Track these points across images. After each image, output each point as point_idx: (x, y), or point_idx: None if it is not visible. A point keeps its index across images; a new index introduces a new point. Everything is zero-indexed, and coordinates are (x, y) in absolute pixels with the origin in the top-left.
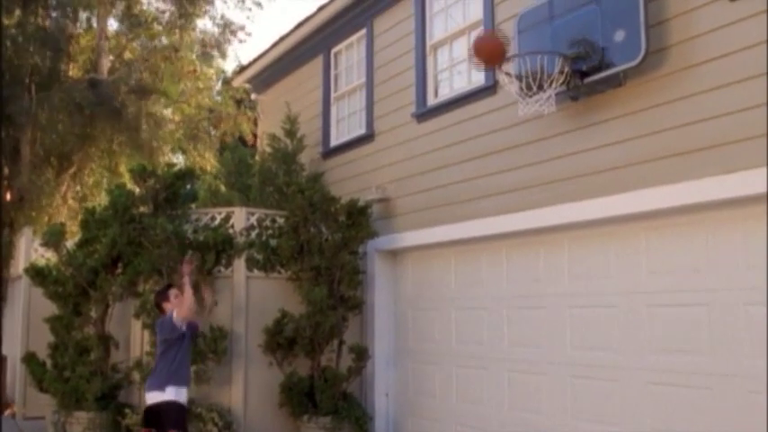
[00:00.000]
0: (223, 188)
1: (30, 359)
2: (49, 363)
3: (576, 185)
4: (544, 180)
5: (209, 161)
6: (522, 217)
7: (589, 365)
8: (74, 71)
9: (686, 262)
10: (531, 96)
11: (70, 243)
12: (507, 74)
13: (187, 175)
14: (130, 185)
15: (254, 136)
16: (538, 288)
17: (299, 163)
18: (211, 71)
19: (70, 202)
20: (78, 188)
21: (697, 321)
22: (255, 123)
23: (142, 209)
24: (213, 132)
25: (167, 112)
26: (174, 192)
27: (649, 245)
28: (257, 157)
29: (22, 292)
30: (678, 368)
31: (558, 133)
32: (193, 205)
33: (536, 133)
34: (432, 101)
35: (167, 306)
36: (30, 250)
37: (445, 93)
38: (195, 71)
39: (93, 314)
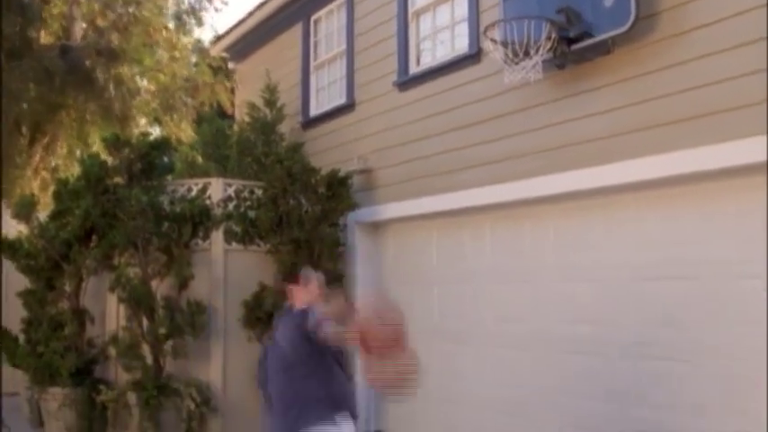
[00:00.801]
0: (200, 159)
1: (1, 334)
2: (22, 338)
3: (563, 156)
4: (529, 151)
5: (185, 132)
6: (506, 188)
7: (575, 341)
8: (45, 38)
9: (675, 234)
10: (517, 63)
11: (43, 216)
12: (493, 40)
13: (162, 144)
14: (104, 155)
15: (233, 105)
16: (523, 262)
17: (278, 133)
18: (187, 40)
19: (43, 173)
20: (51, 159)
21: (687, 295)
22: (233, 93)
23: (116, 180)
24: (189, 102)
25: (143, 83)
26: (150, 162)
27: (639, 217)
28: (235, 128)
29: None
30: (665, 342)
31: (544, 102)
32: (169, 177)
33: (521, 102)
34: (414, 69)
35: (300, 295)
36: (2, 223)
37: (428, 61)
38: (171, 40)
39: (67, 288)
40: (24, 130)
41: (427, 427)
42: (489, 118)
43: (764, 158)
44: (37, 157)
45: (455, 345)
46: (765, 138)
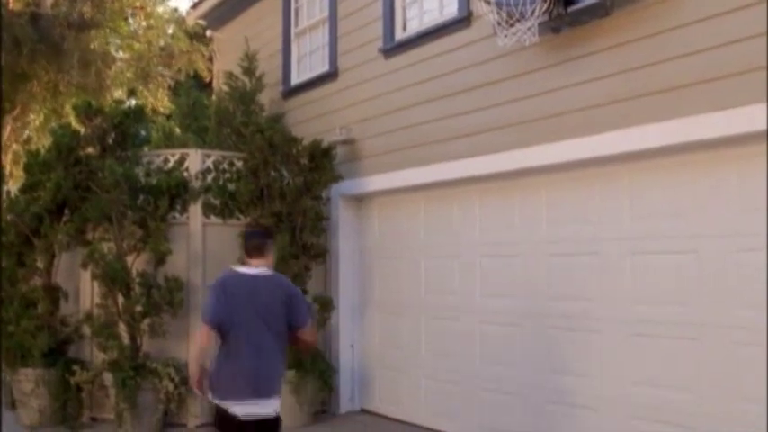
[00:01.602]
0: (178, 131)
1: None
2: None
3: (557, 124)
4: (522, 119)
5: (161, 102)
6: (496, 159)
7: (567, 316)
8: (14, 5)
9: (672, 206)
10: (511, 26)
11: (16, 190)
12: (486, 1)
13: (137, 112)
14: (76, 125)
15: (211, 74)
16: (513, 235)
17: (258, 103)
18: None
19: (15, 146)
20: (23, 132)
21: (685, 269)
22: (211, 61)
23: (89, 150)
24: (166, 71)
25: (117, 53)
26: (124, 132)
27: (634, 188)
28: (214, 98)
29: None
30: (662, 319)
31: (538, 68)
32: (146, 148)
33: (513, 69)
34: (400, 35)
35: (258, 261)
36: None
37: (414, 26)
38: (143, 8)
39: (39, 264)
40: None
41: (414, 405)
42: (479, 85)
43: (765, 127)
44: (8, 129)
45: (443, 320)
46: (766, 105)
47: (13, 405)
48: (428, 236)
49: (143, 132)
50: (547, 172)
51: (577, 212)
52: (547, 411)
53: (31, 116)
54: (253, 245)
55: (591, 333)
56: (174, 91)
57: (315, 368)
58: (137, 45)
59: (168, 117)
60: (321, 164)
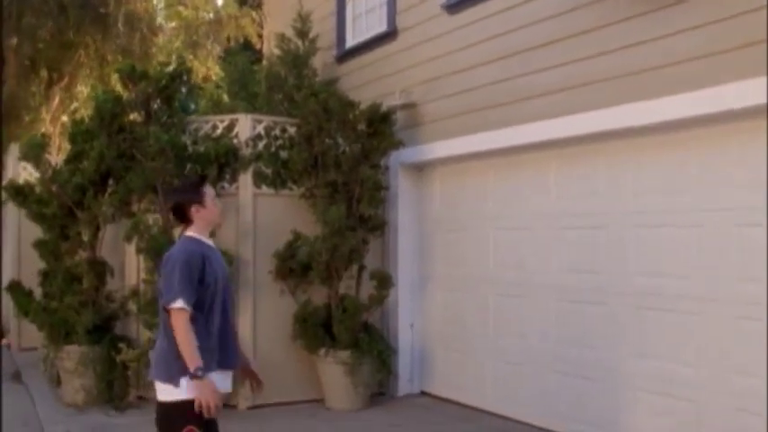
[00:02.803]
0: (226, 98)
1: (14, 288)
2: (39, 292)
3: (647, 81)
4: (606, 75)
5: (211, 70)
6: (576, 121)
7: (659, 295)
8: None
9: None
10: None
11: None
12: None
13: (184, 74)
14: (120, 90)
15: (260, 39)
16: (596, 205)
17: (311, 68)
18: None
19: (64, 118)
20: (71, 103)
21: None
22: (261, 26)
23: (133, 117)
24: (214, 38)
25: (164, 22)
26: (169, 96)
27: (747, 151)
28: (264, 63)
29: (10, 216)
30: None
31: (623, 19)
32: (193, 115)
33: (595, 20)
34: None
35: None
36: (18, 170)
37: None
38: None
39: (83, 237)
40: (42, 71)
41: (479, 389)
42: (554, 40)
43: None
44: (56, 101)
45: (513, 297)
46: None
47: (58, 382)
48: (497, 206)
49: (192, 105)
50: (634, 135)
51: (673, 180)
52: (633, 399)
53: (79, 87)
54: None
55: (689, 315)
56: (224, 59)
57: (372, 348)
58: (184, 12)
59: (217, 86)
60: (380, 129)
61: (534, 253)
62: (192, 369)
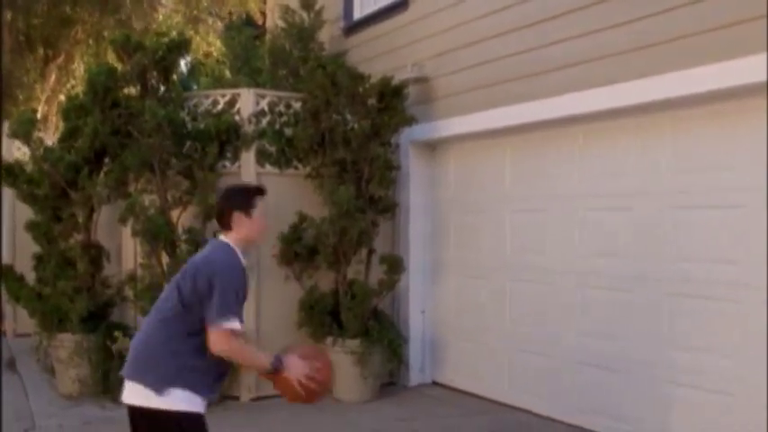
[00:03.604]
0: (228, 74)
1: (5, 273)
2: (33, 277)
3: (680, 48)
4: (638, 44)
5: (212, 46)
6: (602, 94)
7: (694, 281)
8: None
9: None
10: None
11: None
12: None
13: (182, 45)
14: (115, 63)
15: (263, 15)
16: (624, 185)
17: (317, 41)
18: None
19: (61, 97)
20: (68, 80)
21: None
22: (264, 2)
23: (128, 91)
24: (216, 13)
25: None
26: (167, 68)
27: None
28: (268, 36)
29: (5, 196)
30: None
31: None
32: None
33: None
34: None
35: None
36: (12, 149)
37: None
38: None
39: (79, 219)
40: (38, 48)
41: (495, 380)
42: (579, 7)
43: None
44: (52, 79)
45: (532, 283)
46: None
47: (52, 372)
48: (516, 187)
49: (193, 84)
50: (672, 107)
51: (715, 158)
52: (664, 394)
53: (76, 65)
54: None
55: (727, 302)
56: (226, 34)
57: (382, 337)
58: None
59: (218, 62)
60: (391, 104)
61: (556, 237)
62: (270, 366)
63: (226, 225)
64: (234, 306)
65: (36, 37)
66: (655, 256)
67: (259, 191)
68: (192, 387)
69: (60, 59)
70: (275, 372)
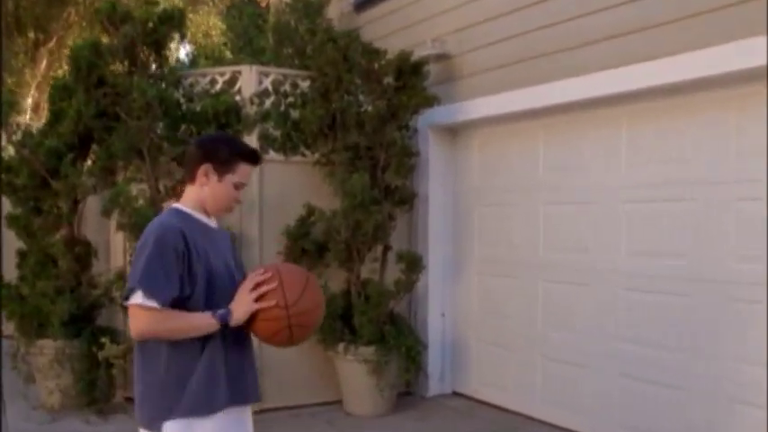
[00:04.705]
0: (229, 54)
1: None
2: (16, 275)
3: (749, 14)
4: (699, 9)
5: (213, 27)
6: (654, 68)
7: (756, 282)
8: None
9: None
10: None
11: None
12: None
13: (175, 17)
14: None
15: None
16: (680, 172)
17: (325, 18)
18: None
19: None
20: (60, 65)
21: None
22: None
23: (115, 68)
24: None
25: None
26: (158, 42)
27: None
28: (272, 12)
29: None
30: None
31: None
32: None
33: None
34: None
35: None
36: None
37: None
38: None
39: (63, 212)
40: (29, 31)
41: (525, 392)
42: None
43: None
44: (43, 64)
45: (569, 286)
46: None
47: (33, 380)
48: (550, 176)
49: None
50: (738, 82)
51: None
52: (724, 413)
53: (68, 50)
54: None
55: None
56: (227, 13)
57: (400, 343)
58: None
59: (223, 45)
60: (410, 83)
61: (597, 232)
62: (216, 321)
63: (190, 175)
64: (151, 276)
65: (26, 18)
66: (716, 255)
67: (252, 156)
68: (189, 411)
69: (51, 43)
70: (226, 324)
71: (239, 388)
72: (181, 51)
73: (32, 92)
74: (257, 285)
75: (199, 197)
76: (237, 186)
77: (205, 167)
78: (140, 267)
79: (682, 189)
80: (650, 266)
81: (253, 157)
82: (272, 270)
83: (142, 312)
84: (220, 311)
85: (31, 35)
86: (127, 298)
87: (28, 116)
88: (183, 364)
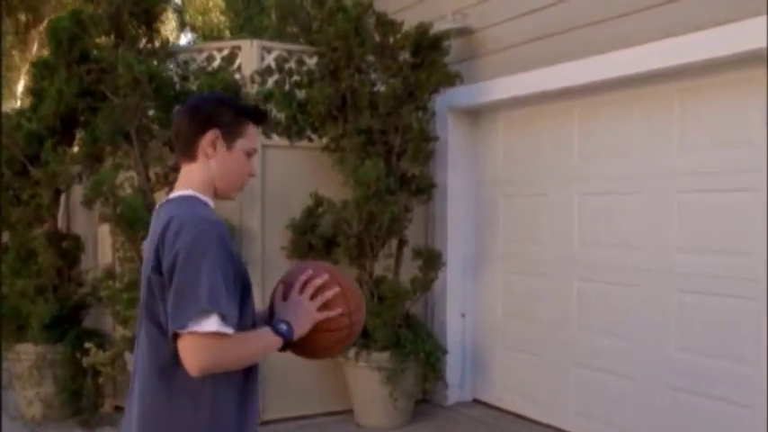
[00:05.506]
0: (228, 33)
1: None
2: None
3: None
4: None
5: (214, 8)
6: (709, 39)
7: None
8: None
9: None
10: None
11: None
12: None
13: None
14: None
15: None
16: (743, 158)
17: None
18: None
19: None
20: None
21: None
22: None
23: (101, 41)
24: None
25: None
26: (148, 11)
27: None
28: None
29: None
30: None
31: None
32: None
33: None
34: None
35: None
36: None
37: None
38: None
39: (44, 202)
40: (20, 12)
41: (556, 402)
42: None
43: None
44: (34, 47)
45: (609, 286)
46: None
47: (12, 389)
48: (586, 163)
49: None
50: None
51: None
52: None
53: None
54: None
55: None
56: None
57: (417, 349)
58: None
59: (222, 27)
60: (429, 59)
61: (641, 225)
62: (281, 339)
63: (189, 153)
64: (220, 293)
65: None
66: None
67: (257, 113)
68: None
69: (42, 26)
70: (290, 341)
71: (246, 408)
72: (182, 40)
73: (23, 76)
74: (316, 291)
75: (207, 177)
76: (250, 153)
77: (212, 135)
78: (206, 281)
79: (744, 177)
80: (706, 264)
81: (258, 115)
82: (325, 271)
83: (216, 342)
84: (280, 326)
85: (22, 16)
86: (183, 326)
87: (18, 102)
88: (227, 407)
